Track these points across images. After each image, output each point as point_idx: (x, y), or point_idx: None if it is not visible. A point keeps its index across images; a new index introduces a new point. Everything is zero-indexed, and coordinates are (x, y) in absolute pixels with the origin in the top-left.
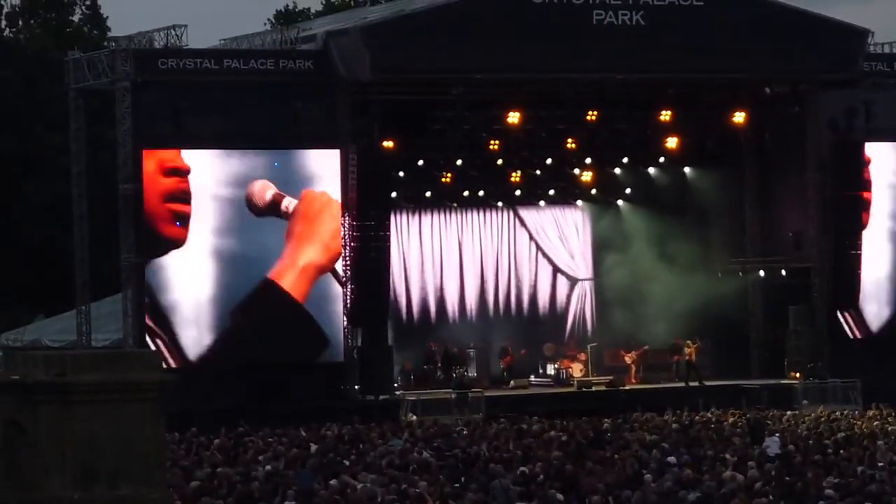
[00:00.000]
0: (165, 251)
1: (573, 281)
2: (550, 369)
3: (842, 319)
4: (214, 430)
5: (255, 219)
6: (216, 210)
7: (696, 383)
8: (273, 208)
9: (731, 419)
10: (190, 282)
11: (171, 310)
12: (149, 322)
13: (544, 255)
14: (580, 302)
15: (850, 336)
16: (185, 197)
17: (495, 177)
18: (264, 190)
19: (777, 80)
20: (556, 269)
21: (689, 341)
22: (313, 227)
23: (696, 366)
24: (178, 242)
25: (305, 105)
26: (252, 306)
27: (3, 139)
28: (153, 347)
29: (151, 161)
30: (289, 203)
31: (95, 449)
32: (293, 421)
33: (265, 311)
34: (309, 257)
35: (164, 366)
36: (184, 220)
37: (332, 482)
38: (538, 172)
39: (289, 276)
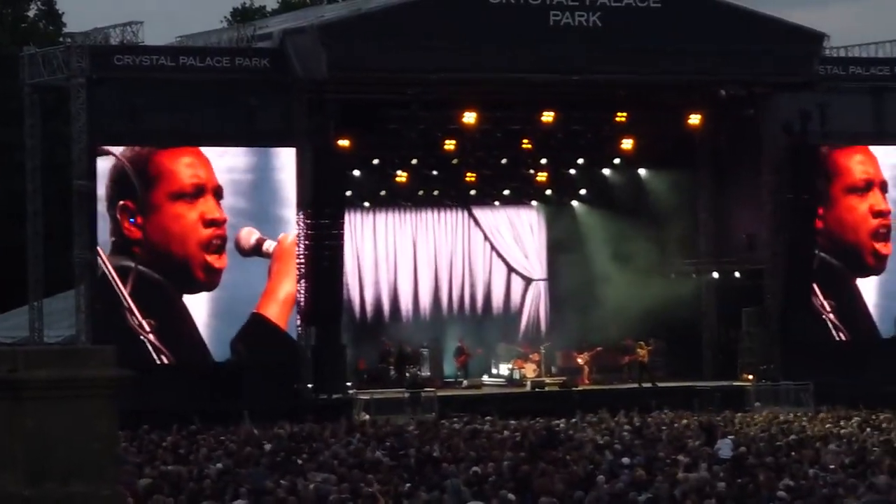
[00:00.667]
0: (196, 291)
1: (527, 281)
2: (504, 369)
3: (829, 324)
4: (166, 428)
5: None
6: None
7: (648, 385)
8: (256, 250)
9: (683, 421)
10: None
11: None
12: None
13: (498, 254)
14: (534, 302)
15: (837, 339)
16: (221, 245)
17: (450, 176)
18: (249, 235)
19: (732, 82)
20: (511, 269)
21: (642, 343)
22: (289, 265)
23: (648, 367)
24: (209, 286)
25: (261, 103)
26: (246, 337)
27: None
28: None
29: (193, 212)
30: (269, 245)
31: (47, 446)
32: (246, 419)
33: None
34: (287, 290)
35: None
36: (215, 273)
37: (285, 481)
38: (493, 172)
39: (273, 308)
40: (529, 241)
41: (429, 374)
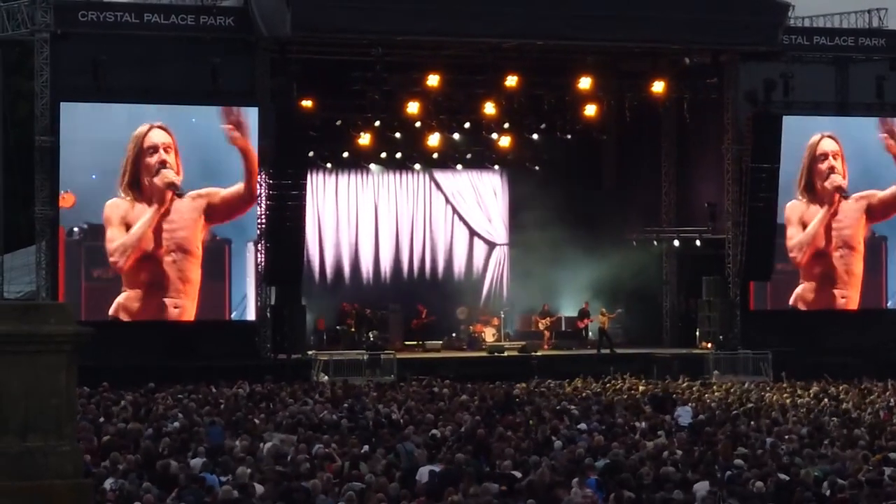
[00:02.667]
0: None
1: (490, 245)
2: (463, 333)
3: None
4: (125, 386)
5: None
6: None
7: (607, 351)
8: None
9: (641, 388)
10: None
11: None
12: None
13: (461, 218)
14: (496, 267)
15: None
16: None
17: (413, 139)
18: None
19: (697, 50)
20: (473, 233)
21: (603, 309)
22: None
23: (608, 334)
24: None
25: (225, 62)
26: None
27: None
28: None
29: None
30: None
31: (6, 400)
32: (204, 378)
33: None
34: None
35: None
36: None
37: (242, 440)
38: (456, 136)
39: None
40: (493, 205)
41: (388, 336)
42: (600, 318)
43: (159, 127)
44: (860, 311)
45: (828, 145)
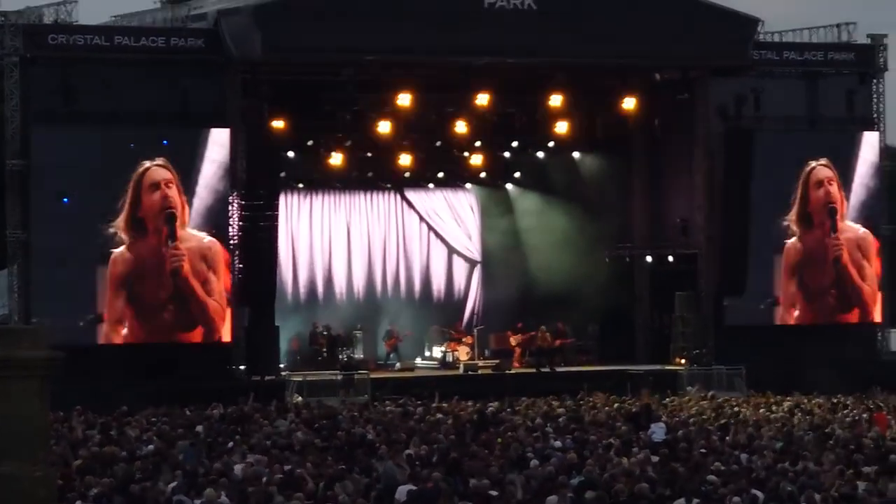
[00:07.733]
0: None
1: (472, 263)
2: (437, 352)
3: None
4: (98, 409)
5: None
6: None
7: (546, 369)
8: None
9: (615, 404)
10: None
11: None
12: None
13: (438, 236)
14: (471, 285)
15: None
16: None
17: (384, 159)
18: None
19: (667, 66)
20: (452, 251)
21: (542, 327)
22: None
23: (546, 351)
24: None
25: (195, 83)
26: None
27: None
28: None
29: None
30: None
31: None
32: (178, 400)
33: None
34: None
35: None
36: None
37: (217, 463)
38: (428, 155)
39: None
40: (472, 223)
41: (362, 356)
42: (539, 335)
43: (160, 165)
44: (832, 326)
45: (822, 173)
